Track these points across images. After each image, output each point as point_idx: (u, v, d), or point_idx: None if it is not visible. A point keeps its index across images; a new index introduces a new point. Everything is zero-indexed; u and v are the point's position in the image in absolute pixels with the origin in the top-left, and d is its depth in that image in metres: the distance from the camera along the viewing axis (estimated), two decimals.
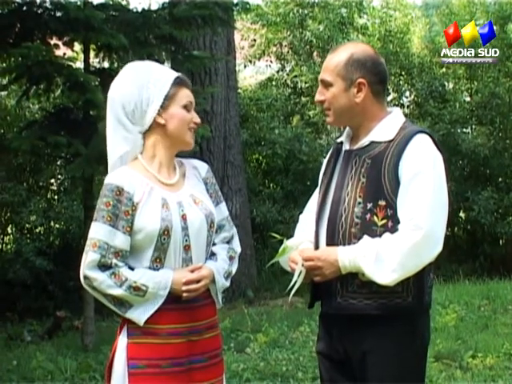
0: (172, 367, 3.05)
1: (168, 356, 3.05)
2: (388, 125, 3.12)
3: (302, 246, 3.20)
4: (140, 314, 3.05)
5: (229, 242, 3.33)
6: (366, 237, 2.99)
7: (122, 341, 3.11)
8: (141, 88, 3.15)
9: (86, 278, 3.05)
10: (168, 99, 3.14)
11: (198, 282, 3.07)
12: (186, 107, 3.16)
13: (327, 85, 3.14)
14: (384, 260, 2.92)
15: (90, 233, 3.09)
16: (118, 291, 3.02)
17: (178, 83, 3.16)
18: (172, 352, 3.06)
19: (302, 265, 3.08)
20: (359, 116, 3.14)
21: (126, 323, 3.11)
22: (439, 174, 3.04)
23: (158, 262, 3.08)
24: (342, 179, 3.12)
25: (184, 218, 3.10)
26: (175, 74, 3.19)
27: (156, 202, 3.08)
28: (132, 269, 3.07)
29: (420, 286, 3.04)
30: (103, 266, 3.02)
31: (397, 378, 3.03)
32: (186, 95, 3.17)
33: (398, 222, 2.98)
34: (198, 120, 3.19)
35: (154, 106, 3.14)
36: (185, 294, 3.06)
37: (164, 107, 3.14)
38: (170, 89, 3.14)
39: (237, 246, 3.35)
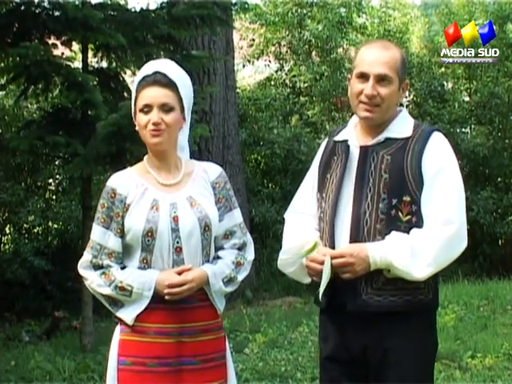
0: (158, 366, 3.05)
1: (154, 355, 3.05)
2: (402, 123, 3.16)
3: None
4: (128, 314, 3.08)
5: (240, 248, 3.28)
6: (393, 232, 2.99)
7: (116, 337, 3.15)
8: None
9: (82, 277, 3.15)
10: (135, 105, 3.15)
11: (181, 285, 3.04)
12: (142, 111, 3.10)
13: (387, 80, 3.09)
14: (419, 255, 2.94)
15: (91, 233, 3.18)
16: (106, 290, 3.08)
17: (141, 86, 3.13)
18: (159, 351, 3.05)
19: (330, 263, 3.02)
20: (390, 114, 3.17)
21: (120, 320, 3.14)
22: (459, 170, 3.11)
23: (145, 263, 3.09)
24: (361, 176, 3.10)
25: (175, 219, 3.08)
26: (143, 75, 3.14)
27: (146, 203, 3.09)
28: (124, 269, 3.11)
29: (436, 283, 3.11)
30: (96, 266, 3.10)
31: (415, 375, 3.05)
32: (143, 97, 3.10)
33: (421, 218, 3.00)
34: (154, 119, 3.06)
35: (133, 114, 3.19)
36: (167, 297, 3.05)
37: (135, 114, 3.16)
38: (135, 94, 3.15)
39: (249, 253, 3.30)
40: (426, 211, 2.99)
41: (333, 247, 3.11)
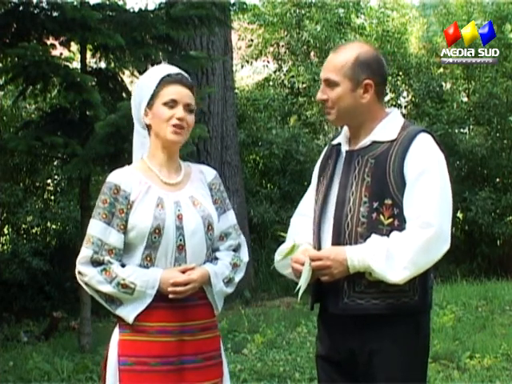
0: (161, 365, 3.05)
1: (156, 354, 3.05)
2: (389, 125, 3.13)
3: (302, 248, 3.16)
4: (129, 312, 3.07)
5: (236, 250, 3.29)
6: (374, 235, 2.98)
7: (115, 337, 3.14)
8: (138, 92, 3.22)
9: (79, 272, 3.10)
10: (153, 98, 3.15)
11: (185, 284, 3.05)
12: (166, 104, 3.11)
13: (332, 84, 3.12)
14: (395, 258, 2.92)
15: (87, 228, 3.14)
16: (107, 288, 3.05)
17: (164, 81, 3.14)
18: (161, 350, 3.05)
19: (310, 264, 3.05)
20: (362, 116, 3.14)
21: (119, 320, 3.12)
22: (444, 172, 3.06)
23: (148, 260, 3.09)
24: (345, 179, 3.11)
25: (180, 217, 3.10)
26: (166, 73, 3.17)
27: (151, 201, 3.09)
28: (124, 266, 3.09)
29: (424, 286, 3.06)
30: (95, 262, 3.07)
31: (403, 377, 3.03)
32: (169, 92, 3.13)
33: (404, 221, 2.98)
34: (179, 115, 3.10)
35: (142, 107, 3.18)
36: (170, 296, 3.05)
37: (149, 107, 3.16)
38: (155, 88, 3.14)
39: (244, 254, 3.31)
40: (407, 214, 2.98)
41: (319, 249, 3.12)
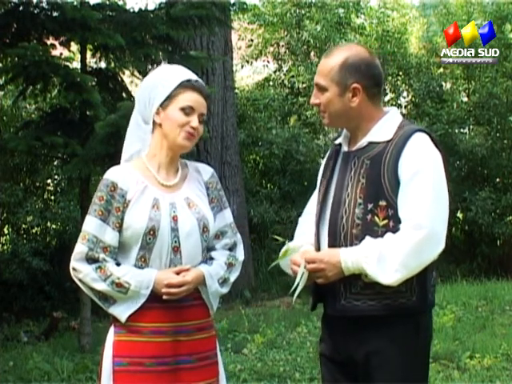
0: (156, 366, 3.05)
1: (151, 354, 3.05)
2: (385, 125, 3.11)
3: (303, 249, 3.17)
4: (122, 311, 3.08)
5: (231, 249, 3.29)
6: (367, 237, 2.97)
7: (110, 338, 3.15)
8: (151, 87, 3.19)
9: (73, 269, 3.11)
10: (168, 99, 3.13)
11: (180, 286, 3.05)
12: (183, 109, 3.11)
13: (322, 89, 3.13)
14: (386, 260, 2.91)
15: (83, 225, 3.14)
16: (101, 285, 3.05)
17: (183, 85, 3.13)
18: (156, 350, 3.06)
19: (305, 267, 3.05)
20: (355, 119, 3.12)
21: (114, 320, 3.13)
22: (439, 172, 3.03)
23: (142, 261, 3.09)
24: (341, 180, 3.11)
25: (175, 219, 3.10)
26: (186, 77, 3.16)
27: (147, 201, 3.09)
28: (119, 264, 3.10)
29: (423, 285, 3.04)
30: (90, 259, 3.07)
31: (403, 378, 3.02)
32: (187, 98, 3.12)
33: (400, 222, 2.97)
34: (194, 124, 3.11)
35: (155, 105, 3.16)
36: (164, 297, 3.05)
37: (163, 107, 3.14)
38: (173, 90, 3.13)
39: (239, 253, 3.31)
40: (401, 215, 2.96)
41: (319, 250, 3.13)
